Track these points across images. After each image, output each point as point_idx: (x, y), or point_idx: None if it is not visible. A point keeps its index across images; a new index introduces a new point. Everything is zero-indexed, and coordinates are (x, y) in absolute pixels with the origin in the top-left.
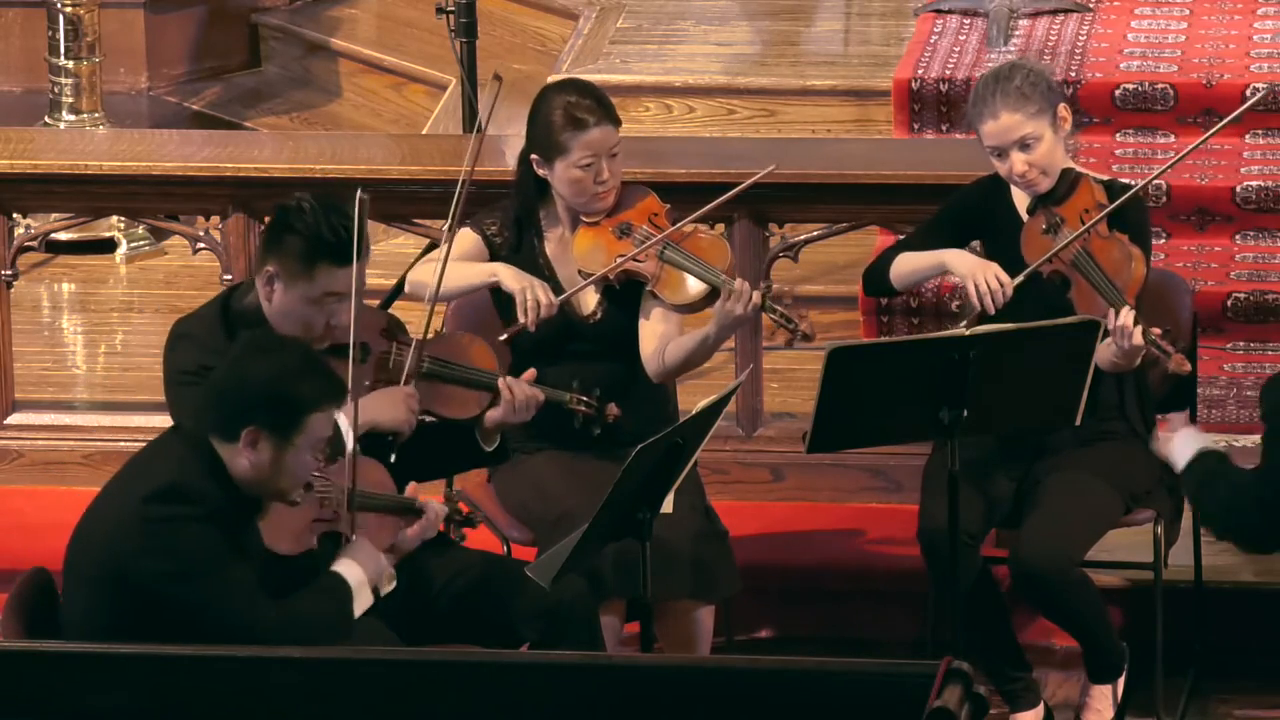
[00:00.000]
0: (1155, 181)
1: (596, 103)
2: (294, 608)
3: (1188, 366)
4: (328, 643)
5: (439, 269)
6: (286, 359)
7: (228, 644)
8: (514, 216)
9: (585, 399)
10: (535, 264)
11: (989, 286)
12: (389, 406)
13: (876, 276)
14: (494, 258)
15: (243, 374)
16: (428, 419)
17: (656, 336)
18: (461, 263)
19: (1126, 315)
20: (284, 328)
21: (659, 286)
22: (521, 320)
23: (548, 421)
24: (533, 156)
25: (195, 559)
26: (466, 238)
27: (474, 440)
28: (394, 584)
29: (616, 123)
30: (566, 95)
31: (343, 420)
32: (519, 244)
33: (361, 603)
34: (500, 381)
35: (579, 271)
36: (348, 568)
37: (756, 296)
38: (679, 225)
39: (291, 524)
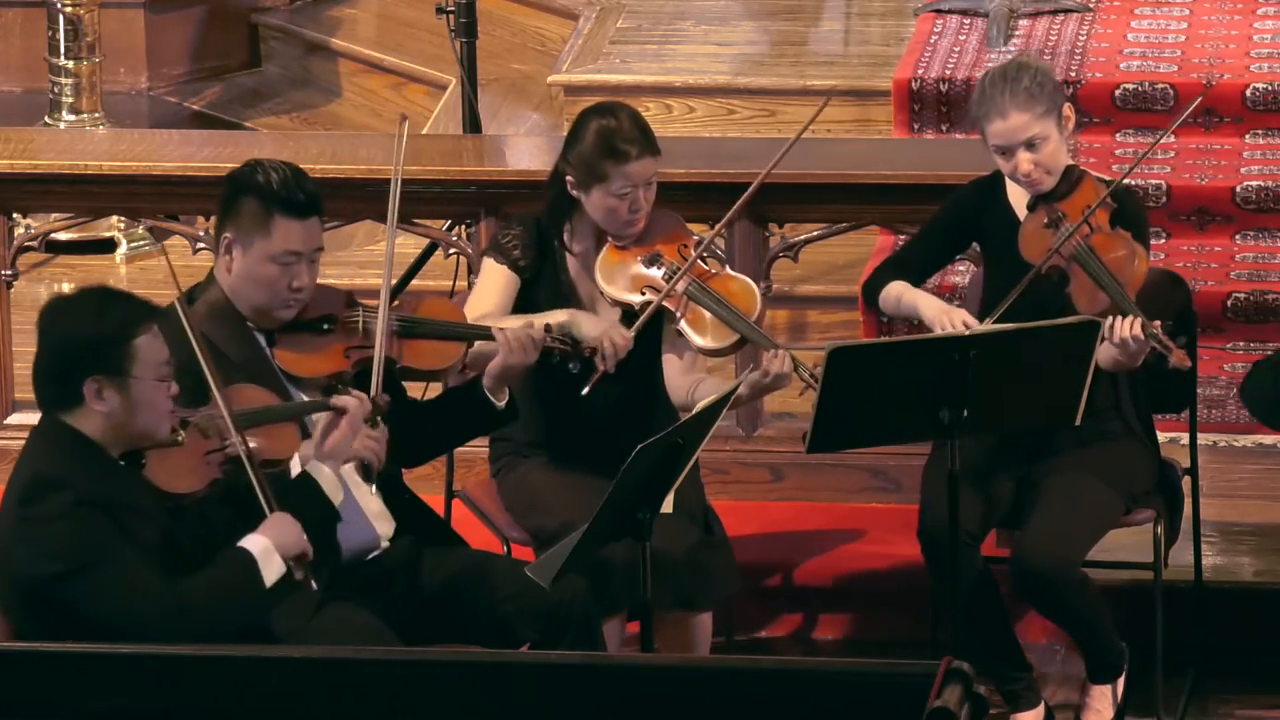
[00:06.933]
0: (1155, 181)
1: (640, 131)
2: (195, 585)
3: (1188, 362)
4: (244, 613)
5: (385, 274)
6: (82, 304)
7: (119, 636)
8: (535, 234)
9: (559, 338)
10: (557, 283)
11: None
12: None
13: (871, 296)
14: (523, 284)
15: (53, 339)
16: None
17: (683, 372)
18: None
19: (1129, 316)
20: (247, 297)
21: (684, 326)
22: (601, 367)
23: (548, 427)
24: (568, 178)
25: (75, 552)
26: (496, 272)
27: (485, 402)
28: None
29: (656, 152)
30: (608, 121)
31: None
32: (541, 263)
33: (272, 569)
34: (493, 329)
35: (601, 292)
36: (251, 540)
37: (788, 366)
38: (700, 250)
39: (185, 462)
